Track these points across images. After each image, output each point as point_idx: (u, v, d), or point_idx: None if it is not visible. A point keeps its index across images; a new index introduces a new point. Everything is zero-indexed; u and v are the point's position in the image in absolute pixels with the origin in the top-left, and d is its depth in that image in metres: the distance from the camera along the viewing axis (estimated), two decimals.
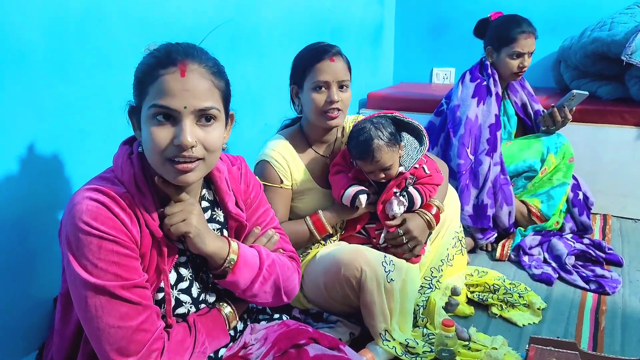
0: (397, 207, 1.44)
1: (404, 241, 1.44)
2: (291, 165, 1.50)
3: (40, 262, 1.24)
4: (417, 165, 1.49)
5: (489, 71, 2.09)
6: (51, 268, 1.26)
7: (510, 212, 2.01)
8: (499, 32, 2.06)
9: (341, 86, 1.43)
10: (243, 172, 1.13)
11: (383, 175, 1.44)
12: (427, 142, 1.49)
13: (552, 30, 2.90)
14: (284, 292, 1.08)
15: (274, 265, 1.05)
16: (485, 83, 2.08)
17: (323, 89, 1.42)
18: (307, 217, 1.49)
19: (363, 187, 1.46)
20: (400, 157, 1.46)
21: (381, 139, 1.39)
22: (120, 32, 1.36)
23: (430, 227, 1.49)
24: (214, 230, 1.04)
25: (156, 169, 0.89)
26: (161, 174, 0.89)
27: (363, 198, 1.43)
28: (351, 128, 1.49)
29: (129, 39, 1.38)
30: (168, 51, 0.88)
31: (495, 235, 2.03)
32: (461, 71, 2.21)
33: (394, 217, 1.46)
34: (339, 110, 1.42)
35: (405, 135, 1.49)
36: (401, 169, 1.46)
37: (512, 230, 2.06)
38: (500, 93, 2.09)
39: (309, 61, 1.43)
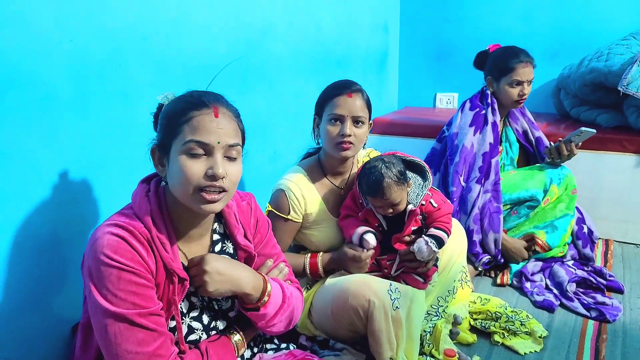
0: (428, 254, 1.48)
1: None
2: (306, 197, 1.57)
3: (60, 291, 1.30)
4: (424, 202, 1.55)
5: (489, 100, 2.15)
6: (69, 298, 1.32)
7: (496, 240, 2.05)
8: (498, 63, 2.12)
9: (357, 122, 1.50)
10: (253, 207, 1.21)
11: (391, 210, 1.51)
12: (431, 177, 1.56)
13: (552, 58, 2.98)
14: (293, 321, 1.17)
15: (292, 297, 1.14)
16: (483, 112, 2.14)
17: (337, 122, 1.50)
18: (307, 257, 1.56)
19: (370, 229, 1.52)
20: (407, 194, 1.52)
21: (391, 177, 1.45)
22: (139, 74, 1.44)
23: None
24: None
25: (183, 199, 0.97)
26: (188, 205, 0.97)
27: (369, 237, 1.50)
28: (362, 165, 1.55)
29: (147, 79, 1.47)
30: (199, 96, 0.99)
31: (488, 257, 2.06)
32: (464, 96, 2.28)
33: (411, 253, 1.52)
34: (350, 143, 1.49)
35: (409, 173, 1.55)
36: (410, 207, 1.52)
37: (499, 259, 2.08)
38: (498, 122, 2.15)
39: (328, 95, 1.53)
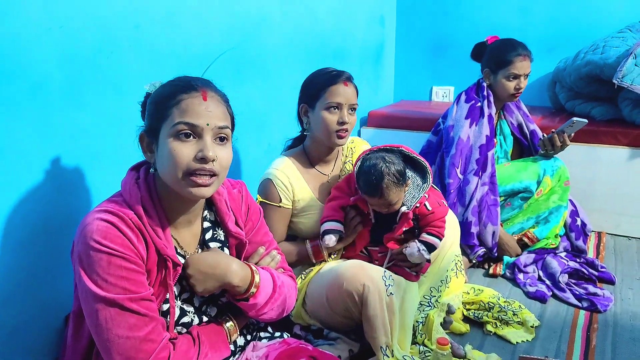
0: (419, 259, 1.49)
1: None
2: (294, 184, 1.57)
3: (52, 280, 1.30)
4: (418, 204, 1.53)
5: (485, 93, 2.15)
6: (63, 287, 1.32)
7: (494, 232, 2.05)
8: (496, 55, 2.12)
9: (351, 109, 1.54)
10: (244, 194, 1.21)
11: (387, 209, 1.50)
12: (430, 179, 1.54)
13: (548, 51, 2.99)
14: (286, 309, 1.18)
15: (283, 286, 1.15)
16: (479, 104, 2.14)
17: (335, 110, 1.51)
18: (307, 242, 1.57)
19: (336, 227, 1.52)
20: (404, 194, 1.51)
21: (390, 179, 1.43)
22: (131, 62, 1.43)
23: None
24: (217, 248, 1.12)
25: (173, 184, 0.97)
26: (178, 189, 0.97)
27: (328, 239, 1.50)
28: (361, 159, 1.52)
29: (139, 68, 1.46)
30: (188, 80, 1.00)
31: (484, 250, 2.08)
32: (460, 89, 2.28)
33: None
34: (346, 131, 1.53)
35: (408, 172, 1.53)
36: (403, 209, 1.51)
37: (494, 251, 2.09)
38: (493, 114, 2.15)
39: (323, 83, 1.53)
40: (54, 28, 1.20)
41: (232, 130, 1.05)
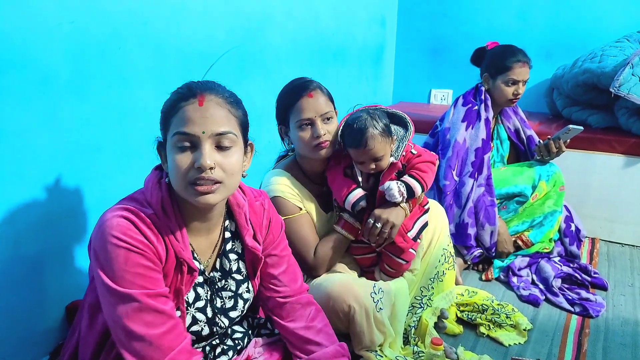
0: (398, 195, 1.46)
1: (379, 227, 1.47)
2: (300, 193, 1.54)
3: (52, 270, 1.31)
4: (404, 153, 1.53)
5: (482, 97, 2.18)
6: (62, 276, 1.33)
7: (492, 232, 2.08)
8: (496, 61, 2.14)
9: (326, 119, 1.46)
10: (266, 207, 1.18)
11: (374, 166, 1.49)
12: (412, 128, 1.54)
13: (546, 58, 3.02)
14: None
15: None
16: (476, 108, 2.16)
17: (308, 125, 1.45)
18: (337, 227, 1.54)
19: (360, 194, 1.50)
20: (391, 149, 1.52)
21: (376, 128, 1.44)
22: (138, 58, 1.44)
23: (402, 202, 1.51)
24: (233, 260, 1.11)
25: (181, 194, 0.95)
26: (185, 197, 0.95)
27: (363, 203, 1.49)
28: (345, 117, 1.52)
29: (146, 64, 1.47)
30: (189, 86, 0.97)
31: (480, 251, 2.11)
32: (458, 93, 2.30)
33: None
34: (326, 141, 1.46)
35: (392, 126, 1.53)
36: (391, 159, 1.51)
37: (492, 251, 2.11)
38: (490, 118, 2.18)
39: (289, 100, 1.47)
40: (64, 23, 1.21)
41: (245, 132, 1.01)
